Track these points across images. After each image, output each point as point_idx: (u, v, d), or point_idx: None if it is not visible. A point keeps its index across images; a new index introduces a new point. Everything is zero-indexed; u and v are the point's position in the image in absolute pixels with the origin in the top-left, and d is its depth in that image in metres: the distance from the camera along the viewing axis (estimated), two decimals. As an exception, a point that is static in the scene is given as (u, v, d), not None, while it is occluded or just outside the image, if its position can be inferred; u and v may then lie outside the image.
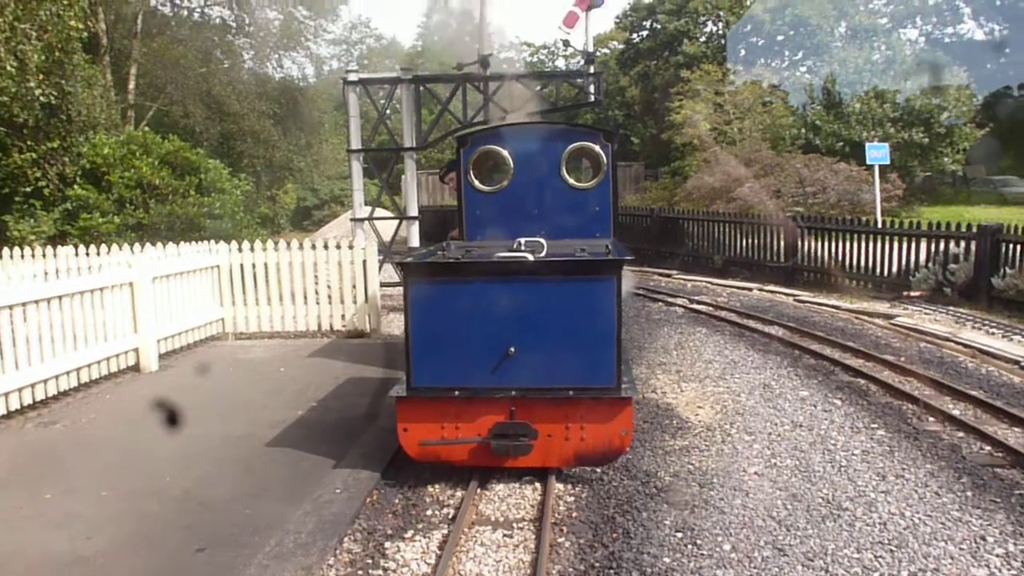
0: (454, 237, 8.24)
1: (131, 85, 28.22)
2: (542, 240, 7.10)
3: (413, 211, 15.21)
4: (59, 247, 13.29)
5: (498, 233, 7.62)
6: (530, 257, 6.23)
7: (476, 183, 7.83)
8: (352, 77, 15.17)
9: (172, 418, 8.03)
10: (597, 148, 7.73)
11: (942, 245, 14.25)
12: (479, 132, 8.45)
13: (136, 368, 10.06)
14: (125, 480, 6.32)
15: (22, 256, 13.01)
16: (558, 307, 5.80)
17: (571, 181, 7.76)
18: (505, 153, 7.77)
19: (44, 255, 12.87)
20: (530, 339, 5.81)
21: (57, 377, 8.65)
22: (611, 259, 6.23)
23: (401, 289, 6.28)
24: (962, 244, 13.90)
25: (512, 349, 5.78)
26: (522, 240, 7.16)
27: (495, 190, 7.85)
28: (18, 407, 8.09)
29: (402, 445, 6.09)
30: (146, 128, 22.90)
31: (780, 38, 42.54)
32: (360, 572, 4.91)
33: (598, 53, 43.10)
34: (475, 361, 5.87)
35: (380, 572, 4.91)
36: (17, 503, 5.87)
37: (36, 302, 8.31)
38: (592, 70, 15.47)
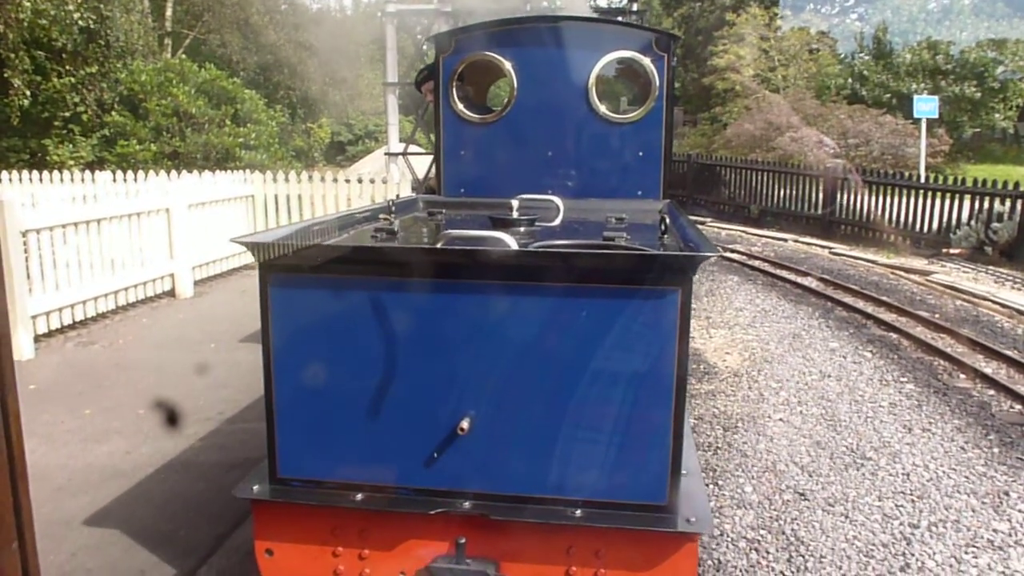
0: (431, 188, 6.09)
1: (168, 12, 28.16)
2: (557, 201, 4.55)
3: (447, 148, 15.14)
4: (97, 172, 13.50)
5: (491, 186, 5.25)
6: (511, 244, 2.98)
7: (460, 108, 5.31)
8: (390, 8, 15.04)
9: (205, 343, 8.21)
10: (646, 61, 5.13)
11: (986, 203, 13.88)
12: (469, 30, 5.57)
13: (172, 294, 10.25)
14: (160, 400, 6.52)
15: (61, 180, 13.24)
16: (562, 345, 2.91)
17: (604, 110, 5.23)
18: (506, 64, 5.25)
19: (83, 180, 13.08)
20: (502, 404, 2.98)
21: (96, 299, 8.85)
22: (674, 255, 3.09)
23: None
24: (1007, 203, 13.54)
25: (466, 423, 2.91)
26: (515, 202, 4.36)
27: (489, 120, 5.39)
28: (59, 326, 8.32)
29: None
30: (183, 56, 22.91)
31: (832, -18, 41.13)
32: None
33: (641, -7, 42.04)
34: (396, 440, 3.06)
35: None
36: (59, 418, 6.08)
37: (75, 224, 8.46)
38: (635, 8, 15.12)
